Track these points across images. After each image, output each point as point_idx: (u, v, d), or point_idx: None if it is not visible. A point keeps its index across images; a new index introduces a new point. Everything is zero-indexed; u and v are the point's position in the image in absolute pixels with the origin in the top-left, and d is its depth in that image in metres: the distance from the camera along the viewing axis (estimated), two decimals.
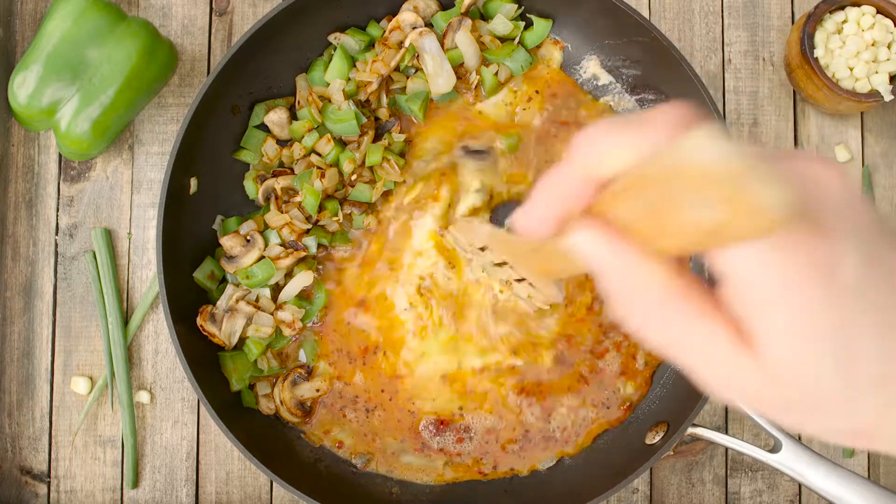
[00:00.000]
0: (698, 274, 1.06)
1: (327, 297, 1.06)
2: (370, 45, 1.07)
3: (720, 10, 1.16)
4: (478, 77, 1.07)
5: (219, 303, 1.02)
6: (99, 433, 1.10)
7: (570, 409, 1.05)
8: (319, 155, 1.04)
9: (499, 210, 1.08)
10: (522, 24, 1.08)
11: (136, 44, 1.02)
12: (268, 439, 1.03)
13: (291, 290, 1.03)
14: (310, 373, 1.05)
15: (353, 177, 1.04)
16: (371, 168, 1.05)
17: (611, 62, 1.09)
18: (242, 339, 1.03)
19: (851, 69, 1.06)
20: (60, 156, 1.13)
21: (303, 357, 1.06)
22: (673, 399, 1.02)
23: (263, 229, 1.03)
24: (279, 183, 1.04)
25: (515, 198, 1.07)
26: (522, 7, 1.08)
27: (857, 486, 0.87)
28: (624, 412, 1.05)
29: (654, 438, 0.98)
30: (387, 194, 1.07)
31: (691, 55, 1.15)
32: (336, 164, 1.04)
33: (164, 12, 1.15)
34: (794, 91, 1.15)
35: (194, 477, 1.10)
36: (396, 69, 1.06)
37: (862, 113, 1.15)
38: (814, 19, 1.06)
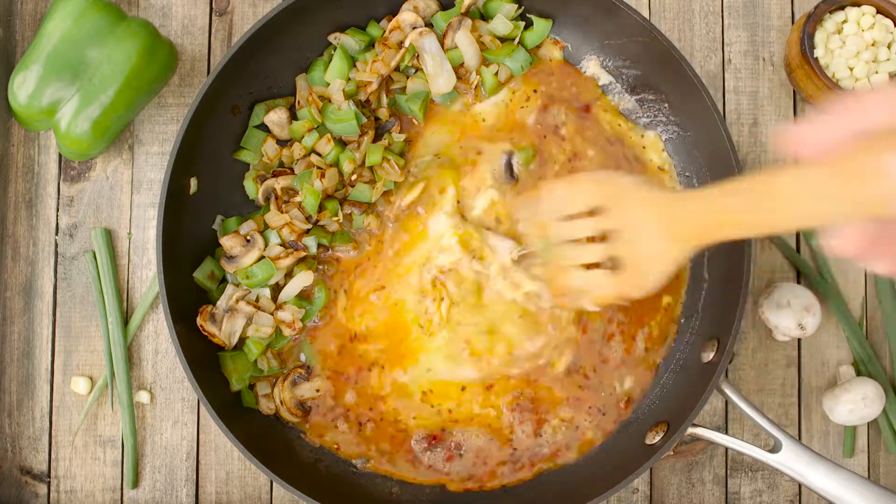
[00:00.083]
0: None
1: (328, 297, 1.06)
2: (370, 45, 1.07)
3: (720, 10, 1.16)
4: (478, 77, 1.07)
5: (219, 303, 1.02)
6: (99, 433, 1.10)
7: (563, 421, 1.04)
8: (319, 155, 1.04)
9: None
10: (522, 24, 1.08)
11: (136, 44, 1.02)
12: (268, 439, 1.03)
13: (291, 290, 1.03)
14: (310, 372, 1.05)
15: (353, 177, 1.04)
16: (371, 168, 1.05)
17: (611, 62, 1.09)
18: (242, 340, 1.03)
19: (851, 69, 1.06)
20: (60, 156, 1.13)
21: (303, 357, 1.06)
22: (673, 399, 1.02)
23: (263, 229, 1.03)
24: (279, 183, 1.04)
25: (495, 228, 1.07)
26: (522, 7, 1.08)
27: (857, 486, 0.87)
28: (619, 416, 1.04)
29: (654, 438, 0.98)
30: (387, 194, 1.07)
31: (691, 55, 1.15)
32: (336, 164, 1.04)
33: (164, 12, 1.15)
34: (794, 91, 1.15)
35: (194, 477, 1.10)
36: (396, 69, 1.06)
37: None
38: (814, 19, 1.06)
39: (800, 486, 1.11)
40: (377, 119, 1.07)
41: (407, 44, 1.04)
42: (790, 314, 1.06)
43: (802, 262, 1.12)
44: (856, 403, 1.06)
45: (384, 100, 1.07)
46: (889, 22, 1.06)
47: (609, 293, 0.89)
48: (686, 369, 1.03)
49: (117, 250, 1.12)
